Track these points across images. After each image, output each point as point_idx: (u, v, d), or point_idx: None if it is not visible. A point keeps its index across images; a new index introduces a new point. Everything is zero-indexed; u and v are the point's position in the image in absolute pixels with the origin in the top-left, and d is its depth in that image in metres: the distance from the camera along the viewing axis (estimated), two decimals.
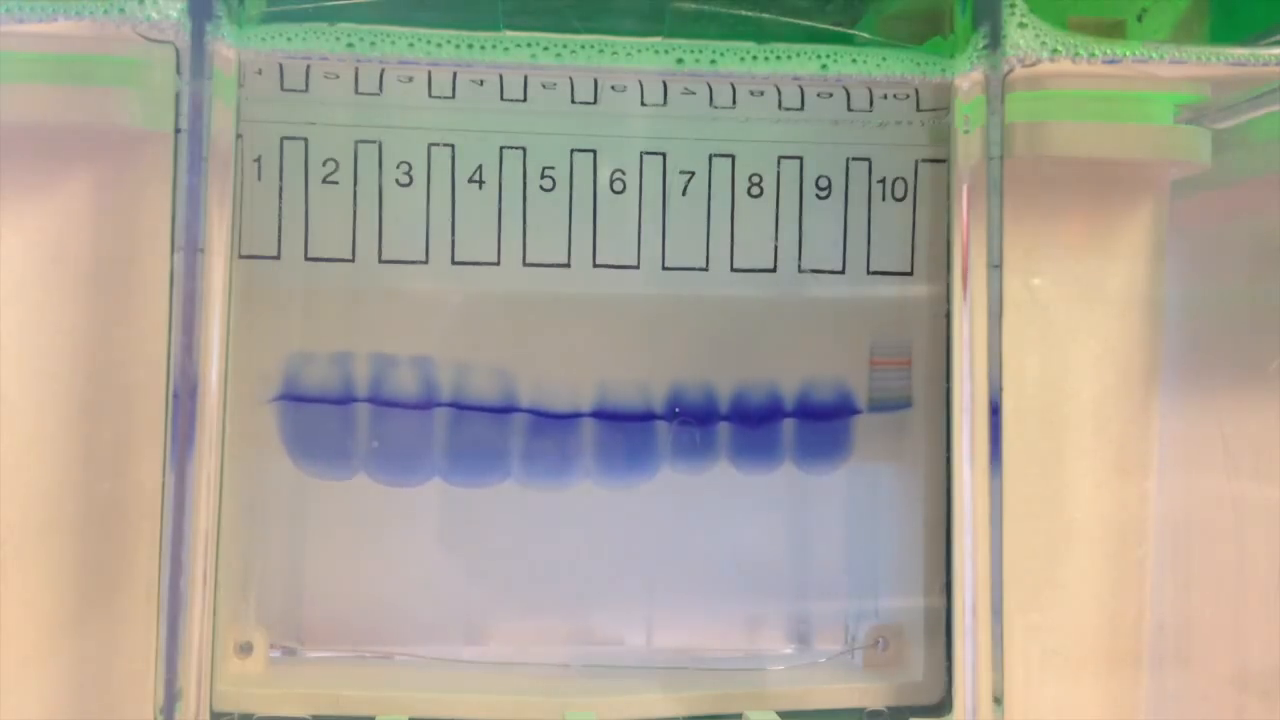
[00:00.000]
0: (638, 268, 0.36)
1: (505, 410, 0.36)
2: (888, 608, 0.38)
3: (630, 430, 0.36)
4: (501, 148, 0.35)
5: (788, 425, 0.37)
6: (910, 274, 0.37)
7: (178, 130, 0.30)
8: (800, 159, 0.36)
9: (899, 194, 0.37)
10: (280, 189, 0.35)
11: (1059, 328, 0.35)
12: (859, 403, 0.37)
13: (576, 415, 0.36)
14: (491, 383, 0.36)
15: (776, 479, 0.37)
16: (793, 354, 0.37)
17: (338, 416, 0.36)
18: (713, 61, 0.32)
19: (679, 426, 0.36)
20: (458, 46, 0.32)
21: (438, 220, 0.35)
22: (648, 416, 0.36)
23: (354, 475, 0.36)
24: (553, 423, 0.36)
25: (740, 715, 0.36)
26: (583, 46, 0.32)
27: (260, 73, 0.34)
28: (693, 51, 0.32)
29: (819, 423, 0.37)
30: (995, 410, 0.32)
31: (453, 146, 0.35)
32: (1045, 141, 0.34)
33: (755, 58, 0.33)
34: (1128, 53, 0.32)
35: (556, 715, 0.35)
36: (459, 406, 0.36)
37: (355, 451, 0.36)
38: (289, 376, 0.35)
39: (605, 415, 0.36)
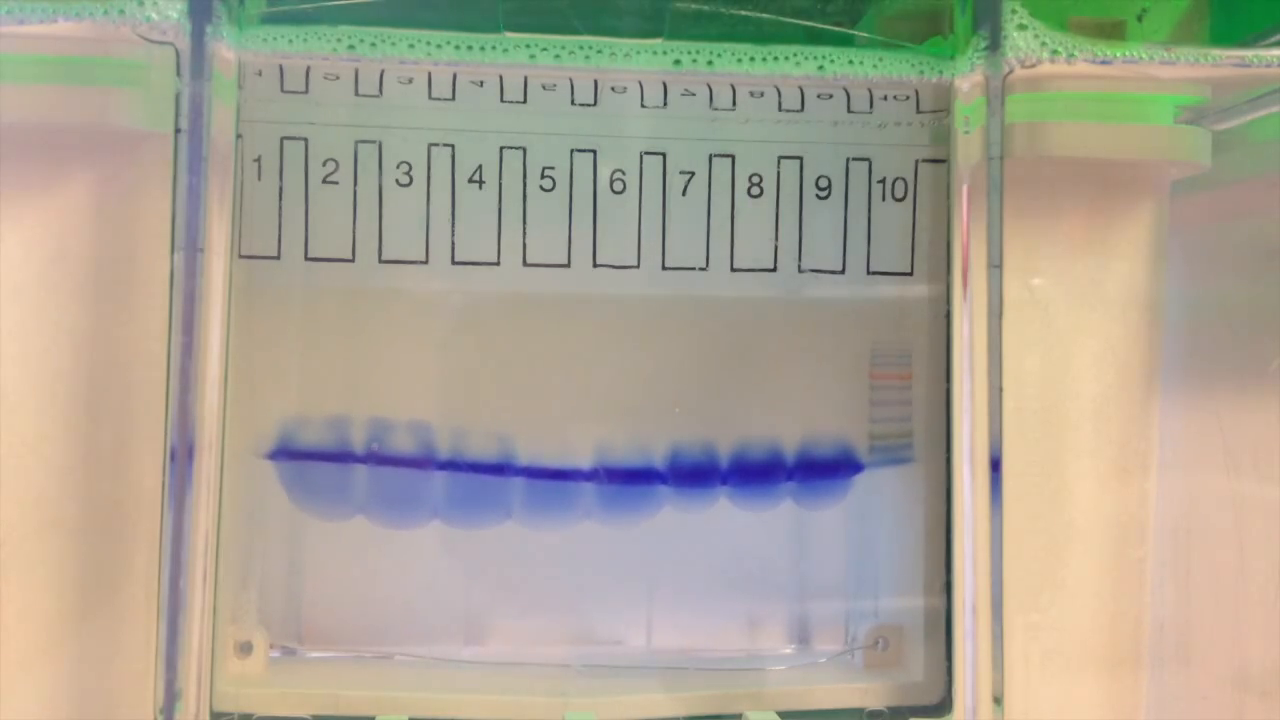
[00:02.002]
0: (638, 268, 0.36)
1: (503, 468, 0.36)
2: (888, 608, 0.38)
3: (631, 486, 0.36)
4: (501, 148, 0.35)
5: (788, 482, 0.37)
6: (910, 274, 0.37)
7: (178, 130, 0.30)
8: (800, 159, 0.36)
9: (899, 194, 0.37)
10: (280, 189, 0.35)
11: (1059, 328, 0.35)
12: (860, 456, 0.37)
13: (578, 472, 0.36)
14: (490, 442, 0.36)
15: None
16: (794, 356, 0.37)
17: (336, 469, 0.36)
18: (710, 63, 0.32)
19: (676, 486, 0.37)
20: (457, 48, 0.32)
21: (438, 220, 0.35)
22: (648, 473, 0.36)
23: (352, 518, 0.36)
24: (553, 470, 0.36)
25: (740, 715, 0.36)
26: (580, 48, 0.32)
27: (260, 74, 0.34)
28: (690, 53, 0.32)
29: (820, 480, 0.37)
30: (996, 466, 0.32)
31: (453, 146, 0.35)
32: (1045, 142, 0.34)
33: (753, 59, 0.33)
34: (1127, 54, 0.32)
35: (556, 715, 0.35)
36: (457, 465, 0.36)
37: (354, 498, 0.36)
38: (285, 433, 0.35)
39: (606, 472, 0.36)
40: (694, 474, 0.36)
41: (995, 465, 0.32)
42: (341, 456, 0.35)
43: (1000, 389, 0.32)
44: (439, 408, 0.36)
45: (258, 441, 0.35)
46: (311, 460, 0.35)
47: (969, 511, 0.32)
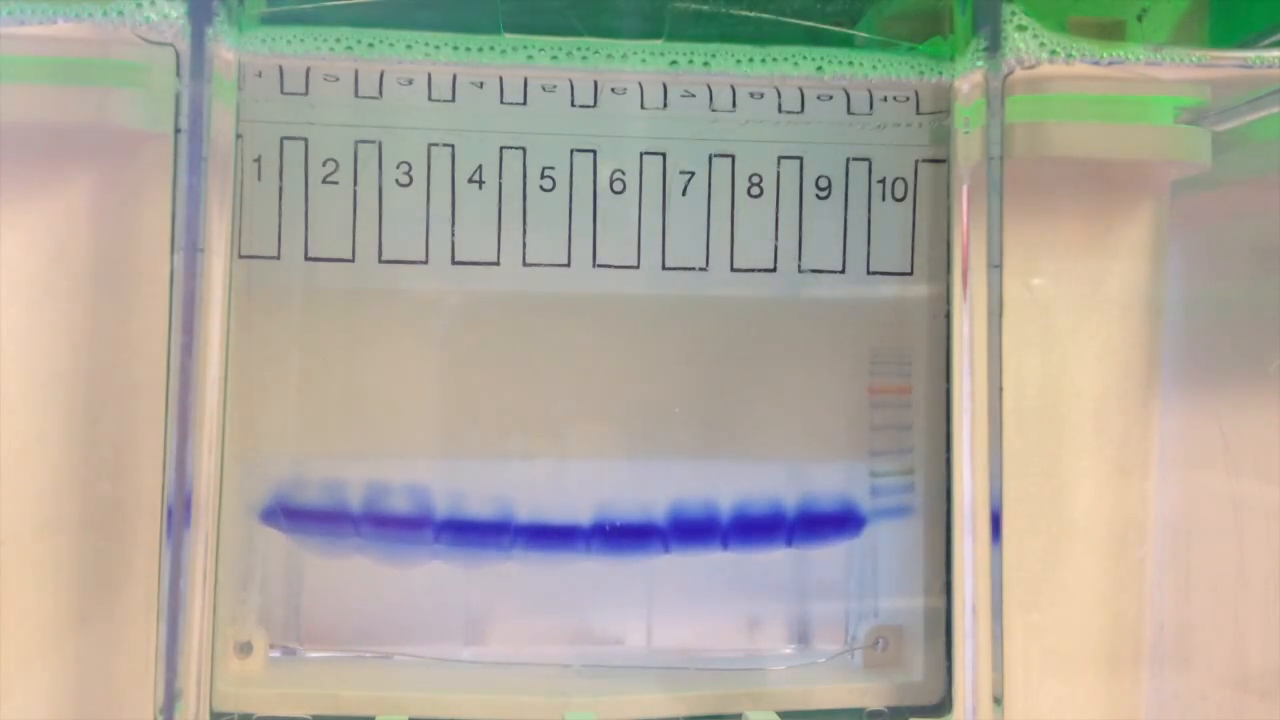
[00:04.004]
0: (638, 268, 0.36)
1: (503, 525, 0.36)
2: (888, 608, 0.38)
3: (631, 544, 0.37)
4: (501, 148, 0.35)
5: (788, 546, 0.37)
6: (910, 274, 0.37)
7: (178, 130, 0.30)
8: (800, 159, 0.36)
9: (899, 194, 0.37)
10: (280, 189, 0.35)
11: (1059, 328, 0.35)
12: (862, 508, 0.37)
13: (576, 528, 0.36)
14: (489, 504, 0.36)
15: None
16: (794, 356, 0.37)
17: (333, 513, 0.36)
18: (706, 64, 0.33)
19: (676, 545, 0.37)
20: (456, 49, 0.32)
21: (438, 220, 0.35)
22: (647, 529, 0.36)
23: (351, 557, 0.36)
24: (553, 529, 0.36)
25: (740, 715, 0.36)
26: (579, 49, 0.32)
27: (260, 75, 0.34)
28: (687, 54, 0.33)
29: (822, 538, 0.37)
30: (996, 519, 0.32)
31: (453, 147, 0.35)
32: (1045, 142, 0.34)
33: (750, 60, 0.33)
34: (1126, 55, 0.32)
35: (556, 715, 0.35)
36: (455, 524, 0.36)
37: (350, 541, 0.36)
38: (280, 491, 0.36)
39: (605, 529, 0.36)
40: (694, 531, 0.36)
41: (995, 520, 0.32)
42: (338, 517, 0.35)
43: (1000, 392, 0.32)
44: (439, 405, 0.36)
45: (260, 444, 0.35)
46: (310, 512, 0.35)
47: (969, 555, 0.32)
